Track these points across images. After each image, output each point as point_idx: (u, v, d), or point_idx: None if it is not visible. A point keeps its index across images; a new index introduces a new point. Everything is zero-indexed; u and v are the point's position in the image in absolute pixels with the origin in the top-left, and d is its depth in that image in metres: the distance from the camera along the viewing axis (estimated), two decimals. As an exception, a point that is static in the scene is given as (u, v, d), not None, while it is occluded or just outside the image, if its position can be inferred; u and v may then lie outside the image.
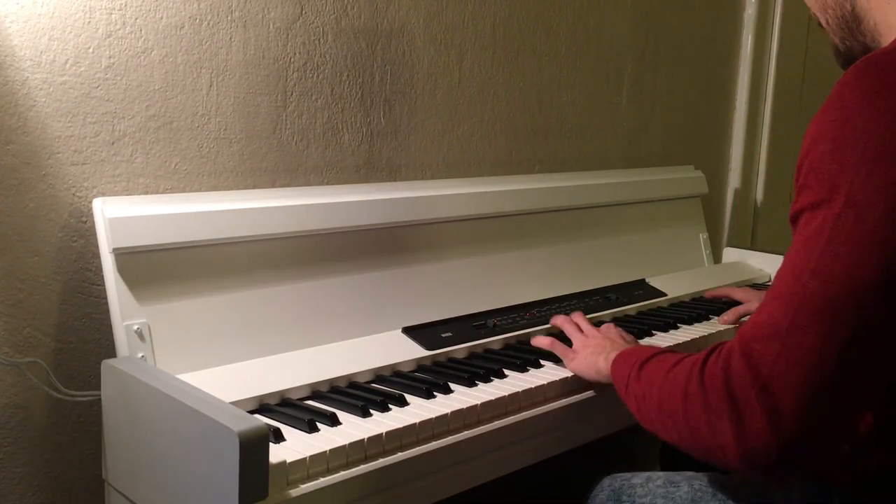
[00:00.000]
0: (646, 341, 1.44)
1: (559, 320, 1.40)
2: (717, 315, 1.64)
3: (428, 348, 1.30)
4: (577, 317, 1.39)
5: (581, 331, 1.32)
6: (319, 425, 1.02)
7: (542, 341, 1.34)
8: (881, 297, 0.76)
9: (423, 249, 1.45)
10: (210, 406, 0.90)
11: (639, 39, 2.04)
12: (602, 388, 1.21)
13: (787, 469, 0.79)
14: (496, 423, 1.11)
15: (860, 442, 0.88)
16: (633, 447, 2.00)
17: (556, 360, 1.30)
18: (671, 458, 1.42)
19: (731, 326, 1.56)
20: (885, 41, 0.93)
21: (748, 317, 1.57)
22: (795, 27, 2.41)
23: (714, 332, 1.51)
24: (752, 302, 1.64)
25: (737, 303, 1.67)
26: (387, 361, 1.24)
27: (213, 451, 0.86)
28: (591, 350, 1.22)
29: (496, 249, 1.56)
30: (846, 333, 0.76)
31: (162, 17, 1.25)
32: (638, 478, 1.14)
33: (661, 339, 1.45)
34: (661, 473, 1.14)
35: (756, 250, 2.07)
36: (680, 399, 0.87)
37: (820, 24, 1.03)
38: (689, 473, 1.11)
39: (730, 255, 2.11)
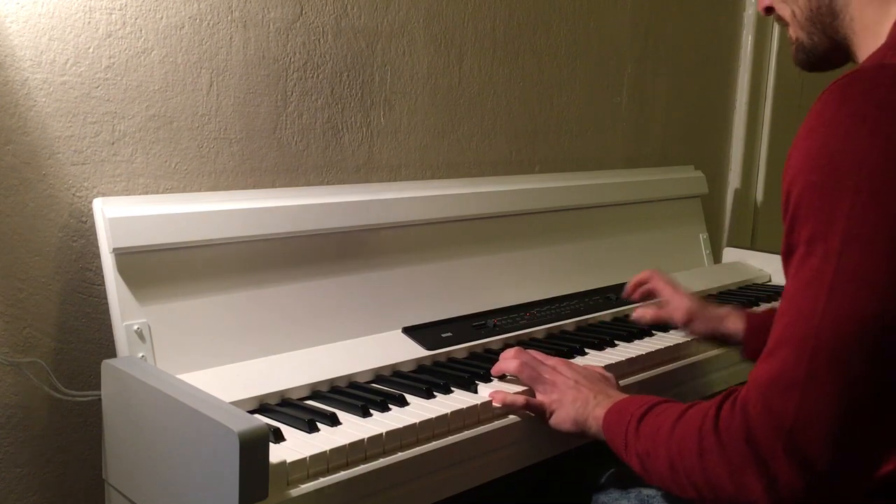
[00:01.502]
0: (646, 341, 1.44)
1: (513, 366, 1.17)
2: (717, 315, 1.64)
3: (428, 348, 1.30)
4: (526, 355, 1.18)
5: (540, 374, 1.14)
6: (319, 425, 1.02)
7: (516, 400, 1.12)
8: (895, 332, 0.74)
9: (424, 249, 1.45)
10: (210, 406, 0.90)
11: (639, 39, 2.04)
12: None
13: None
14: (496, 423, 1.11)
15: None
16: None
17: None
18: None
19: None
20: (859, 42, 0.90)
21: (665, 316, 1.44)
22: (795, 27, 2.41)
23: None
24: (670, 308, 1.43)
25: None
26: (387, 361, 1.24)
27: (213, 451, 0.86)
28: (570, 403, 1.09)
29: (496, 249, 1.56)
30: (865, 374, 0.74)
31: (162, 17, 1.25)
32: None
33: (662, 339, 1.45)
34: None
35: (756, 250, 2.07)
36: (695, 456, 0.84)
37: (779, 18, 0.98)
38: None
39: (730, 255, 2.11)
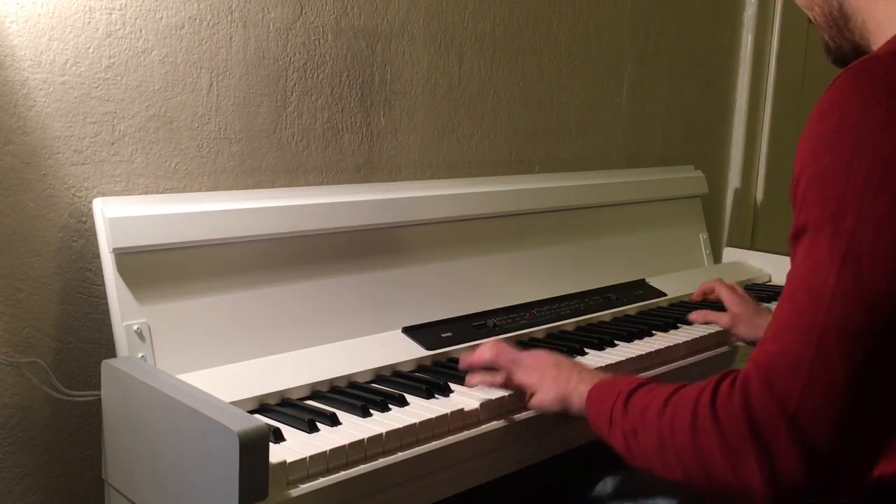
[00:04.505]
0: (646, 341, 1.44)
1: (488, 353, 1.17)
2: (718, 315, 1.64)
3: (428, 348, 1.30)
4: (495, 348, 1.17)
5: (518, 357, 1.14)
6: (319, 425, 1.02)
7: (495, 379, 1.14)
8: None
9: (423, 249, 1.45)
10: (210, 406, 0.90)
11: (639, 39, 2.04)
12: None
13: (821, 500, 0.76)
14: (496, 423, 1.11)
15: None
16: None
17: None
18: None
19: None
20: (874, 39, 0.90)
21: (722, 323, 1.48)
22: (795, 27, 2.41)
23: (715, 331, 1.51)
24: (733, 315, 1.47)
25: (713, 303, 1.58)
26: (387, 361, 1.24)
27: (213, 451, 0.86)
28: (552, 380, 1.08)
29: (496, 249, 1.56)
30: (874, 359, 0.73)
31: (162, 17, 1.25)
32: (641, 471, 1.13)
33: (662, 339, 1.45)
34: None
35: (756, 250, 2.07)
36: (688, 436, 0.81)
37: (810, 20, 1.00)
38: None
39: (730, 255, 2.11)
